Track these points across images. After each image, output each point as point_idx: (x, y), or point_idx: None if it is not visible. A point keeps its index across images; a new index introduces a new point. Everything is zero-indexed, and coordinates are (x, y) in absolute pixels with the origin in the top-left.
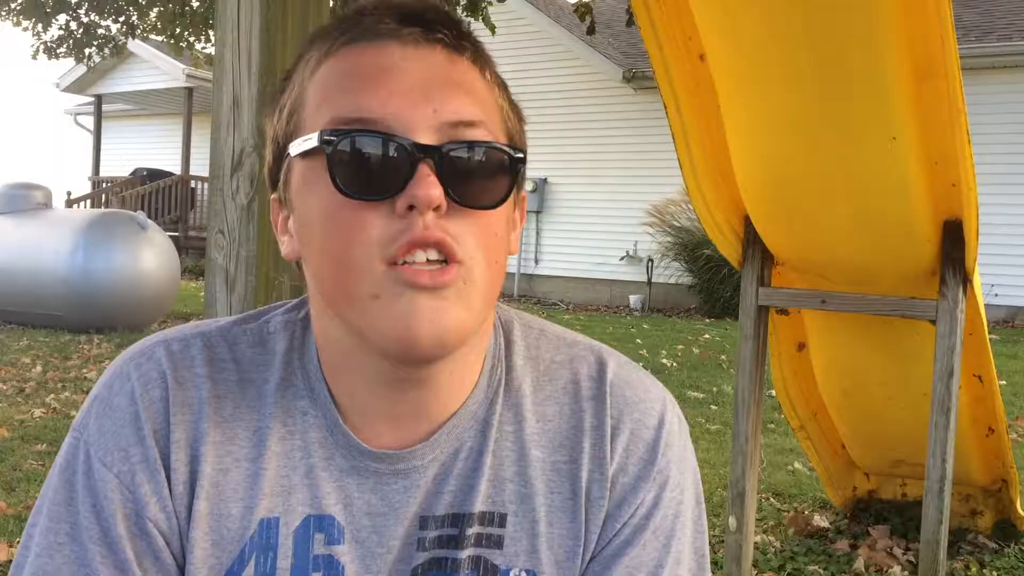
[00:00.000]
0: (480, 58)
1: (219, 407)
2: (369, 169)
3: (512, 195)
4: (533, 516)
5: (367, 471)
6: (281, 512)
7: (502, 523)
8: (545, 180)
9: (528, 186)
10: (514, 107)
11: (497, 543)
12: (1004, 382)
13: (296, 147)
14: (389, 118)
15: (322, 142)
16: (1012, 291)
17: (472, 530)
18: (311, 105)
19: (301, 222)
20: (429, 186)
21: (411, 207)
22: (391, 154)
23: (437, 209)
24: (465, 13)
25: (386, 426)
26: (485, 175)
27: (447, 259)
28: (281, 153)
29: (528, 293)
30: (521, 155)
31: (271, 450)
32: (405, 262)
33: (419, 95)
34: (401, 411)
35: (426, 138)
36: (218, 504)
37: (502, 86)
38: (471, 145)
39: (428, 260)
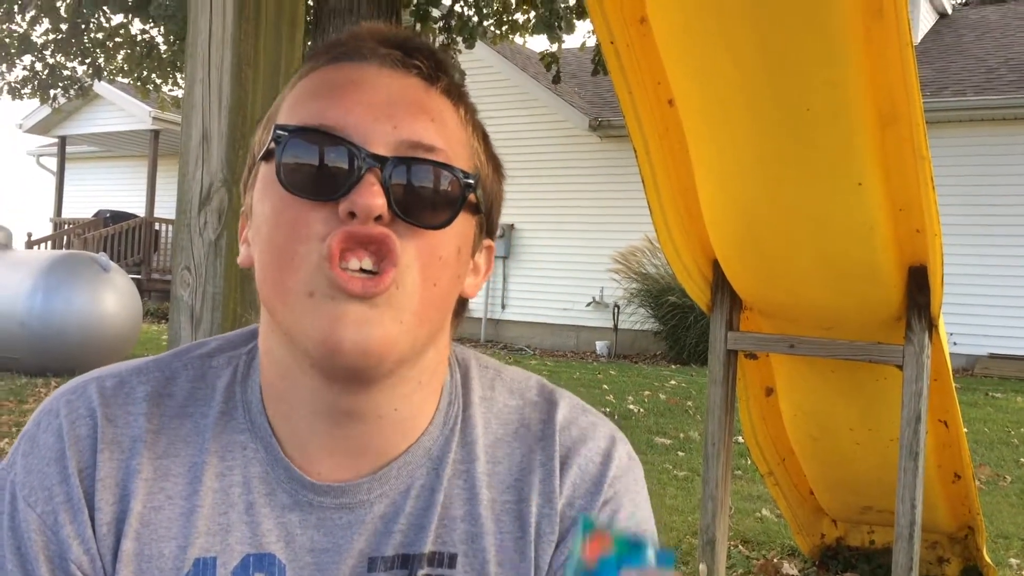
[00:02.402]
0: (456, 93)
1: (153, 443)
2: (315, 170)
3: (458, 222)
4: (483, 556)
5: (310, 506)
6: (218, 551)
7: (452, 564)
8: (512, 226)
9: None
10: (490, 155)
11: None
12: (966, 430)
13: (261, 151)
14: (349, 127)
15: (273, 138)
16: (971, 340)
17: (422, 572)
18: (283, 113)
19: (255, 223)
20: (373, 195)
21: (352, 214)
22: (339, 158)
23: (379, 219)
24: None
25: (330, 461)
26: (432, 195)
27: (383, 264)
28: (254, 162)
29: (495, 338)
30: (471, 181)
31: (207, 486)
32: (342, 267)
33: (382, 111)
34: (345, 447)
35: (381, 152)
36: (148, 544)
37: (478, 129)
38: (421, 162)
39: (362, 269)
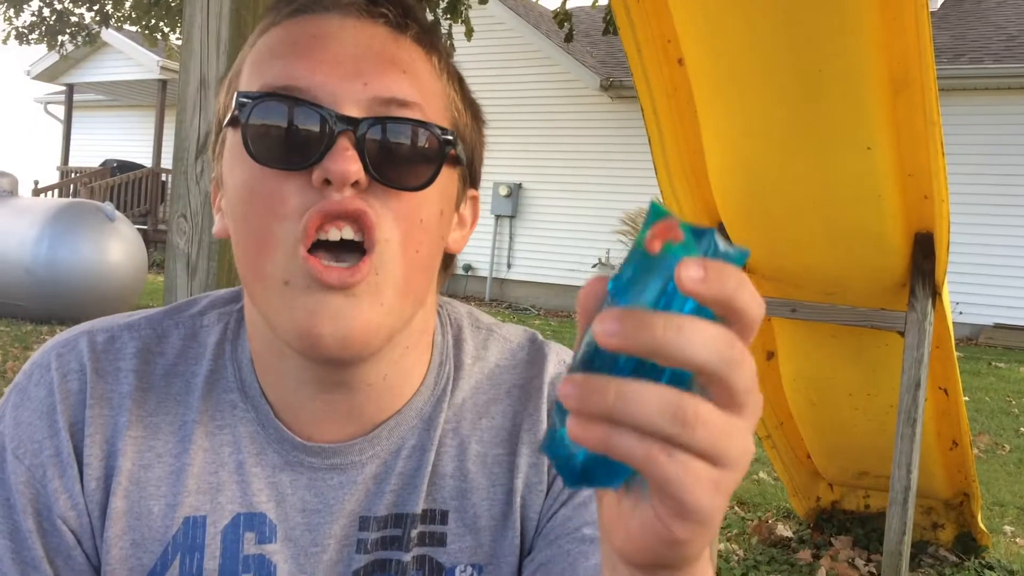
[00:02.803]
0: (428, 41)
1: (143, 401)
2: (284, 137)
3: (440, 180)
4: (474, 511)
5: (301, 466)
6: (208, 510)
7: (444, 520)
8: (520, 186)
9: (503, 191)
10: (468, 102)
11: (440, 540)
12: (967, 399)
13: (226, 118)
14: (316, 87)
15: (237, 104)
16: (977, 309)
17: (416, 530)
18: (245, 74)
19: (228, 196)
20: (347, 160)
21: (327, 181)
22: (309, 123)
23: (356, 185)
24: (445, 15)
25: (321, 424)
26: (409, 155)
27: (363, 241)
28: (220, 127)
29: (500, 298)
30: (450, 138)
31: (197, 445)
32: (320, 240)
33: (350, 67)
34: (335, 413)
35: (352, 112)
36: (137, 502)
37: (453, 76)
38: (396, 121)
39: (343, 239)
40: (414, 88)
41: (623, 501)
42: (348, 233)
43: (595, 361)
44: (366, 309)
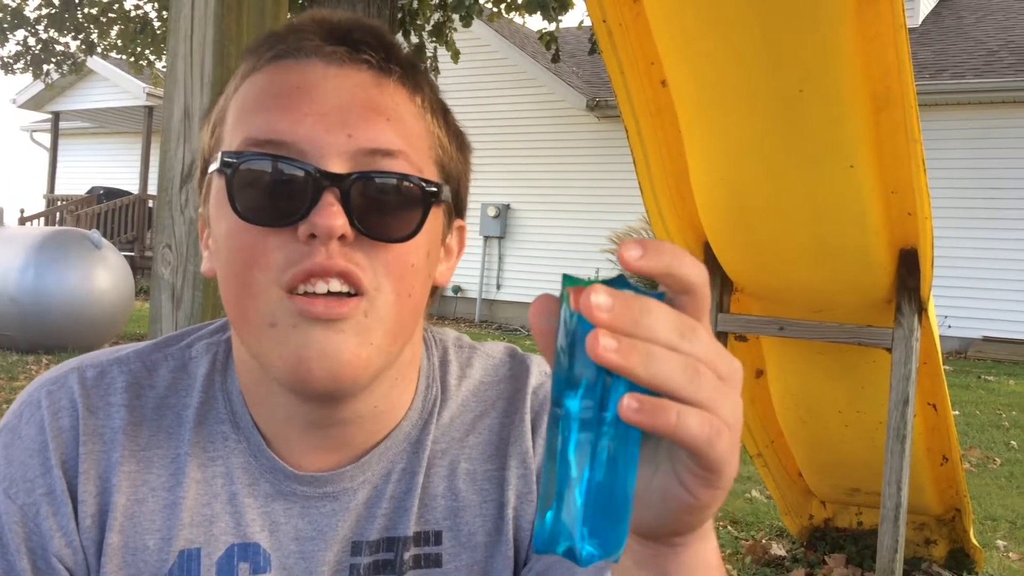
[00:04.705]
0: (411, 81)
1: (135, 435)
2: (270, 194)
3: (426, 227)
4: (468, 528)
5: (294, 495)
6: (203, 542)
7: (438, 540)
8: (508, 206)
9: (491, 212)
10: (453, 134)
11: (436, 561)
12: (957, 412)
13: (212, 165)
14: (301, 141)
15: (222, 164)
16: (965, 323)
17: (409, 553)
18: (230, 122)
19: (214, 240)
20: (332, 215)
21: (313, 235)
22: (294, 179)
23: (343, 239)
24: (431, 38)
25: (312, 455)
26: (395, 207)
27: (353, 290)
28: (205, 168)
29: (489, 319)
30: (435, 188)
31: (190, 478)
32: (305, 292)
33: (335, 118)
34: (326, 444)
35: (337, 165)
36: (132, 536)
37: (438, 111)
38: (380, 175)
39: (330, 292)
40: (398, 136)
41: (640, 470)
42: (335, 286)
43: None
44: (355, 345)
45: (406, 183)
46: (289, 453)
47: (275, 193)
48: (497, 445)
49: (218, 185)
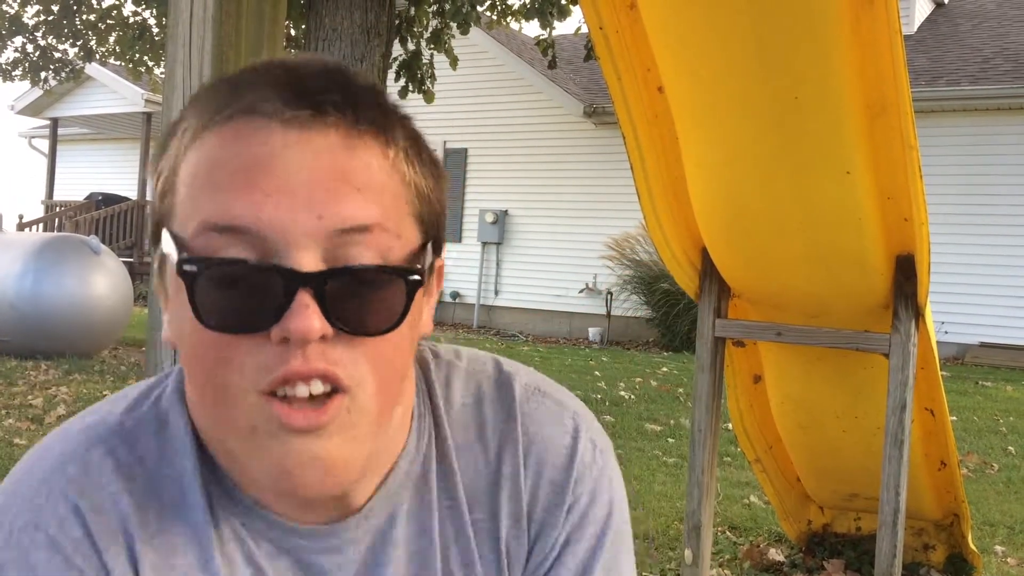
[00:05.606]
0: (383, 131)
1: (143, 522)
2: (237, 299)
3: (413, 306)
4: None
5: (298, 550)
6: None
7: None
8: (506, 212)
9: (489, 218)
10: (428, 171)
11: None
12: (955, 418)
13: (168, 250)
14: (265, 228)
15: (180, 272)
16: (962, 329)
17: None
18: (182, 192)
19: (175, 325)
20: (307, 318)
21: (287, 339)
22: (263, 285)
23: (321, 338)
24: (429, 45)
25: (310, 513)
26: (375, 299)
27: (333, 388)
28: (157, 232)
29: (487, 324)
30: (418, 277)
31: (217, 548)
32: (284, 394)
33: (301, 197)
34: (322, 504)
35: (308, 252)
36: None
37: (412, 152)
38: (358, 269)
39: (312, 394)
40: (373, 203)
41: None
42: (317, 387)
43: None
44: (339, 444)
45: (387, 276)
46: (283, 509)
47: (243, 298)
48: (485, 491)
49: (177, 284)
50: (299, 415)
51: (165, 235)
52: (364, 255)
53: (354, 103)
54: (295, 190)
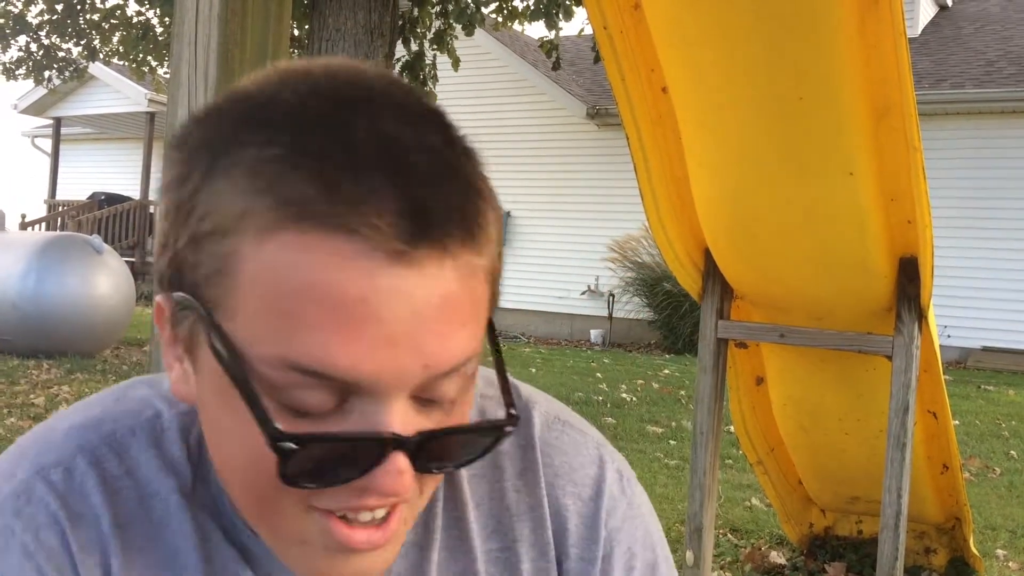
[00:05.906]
0: (495, 241)
1: (125, 539)
2: (327, 463)
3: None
4: None
5: None
6: None
7: None
8: (509, 214)
9: None
10: (501, 243)
11: None
12: (957, 422)
13: (214, 339)
14: (365, 379)
15: (273, 447)
16: (965, 333)
17: None
18: (249, 302)
19: (209, 419)
20: (401, 482)
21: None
22: (358, 448)
23: None
24: (431, 46)
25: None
26: (466, 448)
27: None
28: (180, 281)
29: None
30: (511, 428)
31: (206, 566)
32: (345, 515)
33: (407, 346)
34: None
35: (400, 402)
36: None
37: (497, 231)
38: (458, 432)
39: (374, 518)
40: (475, 336)
41: None
42: (381, 513)
43: None
44: (390, 554)
45: (483, 429)
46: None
47: (333, 460)
48: (499, 519)
49: (219, 376)
50: (361, 535)
51: (215, 328)
52: (451, 388)
53: (475, 227)
54: (400, 340)
